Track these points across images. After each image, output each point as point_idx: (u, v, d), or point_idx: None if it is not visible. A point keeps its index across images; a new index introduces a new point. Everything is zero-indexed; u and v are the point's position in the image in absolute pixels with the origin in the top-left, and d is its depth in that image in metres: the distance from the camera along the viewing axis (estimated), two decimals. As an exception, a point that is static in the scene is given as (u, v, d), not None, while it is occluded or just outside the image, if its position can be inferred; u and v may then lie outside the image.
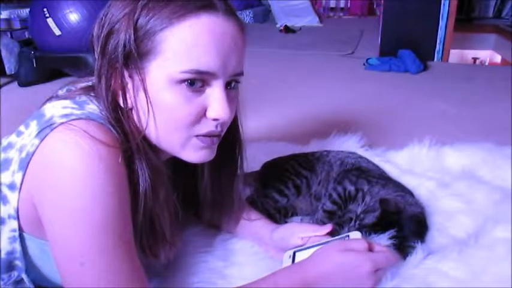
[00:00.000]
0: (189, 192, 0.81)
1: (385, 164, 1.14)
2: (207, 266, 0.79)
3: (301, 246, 0.80)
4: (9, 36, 2.53)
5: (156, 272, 0.74)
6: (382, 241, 0.80)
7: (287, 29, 3.95)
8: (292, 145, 1.32)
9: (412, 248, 0.79)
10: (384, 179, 1.00)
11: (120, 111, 0.60)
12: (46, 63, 2.26)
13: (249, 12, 4.49)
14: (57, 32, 2.17)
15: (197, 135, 0.61)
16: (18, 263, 0.62)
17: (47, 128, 0.55)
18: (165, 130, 0.60)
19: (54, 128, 0.54)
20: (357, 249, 0.66)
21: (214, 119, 0.61)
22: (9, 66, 2.35)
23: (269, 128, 1.58)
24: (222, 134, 0.66)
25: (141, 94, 0.58)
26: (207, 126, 0.61)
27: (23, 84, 2.25)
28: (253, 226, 0.86)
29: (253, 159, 1.14)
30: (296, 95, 2.08)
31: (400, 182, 1.01)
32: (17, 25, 2.64)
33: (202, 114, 0.60)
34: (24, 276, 0.62)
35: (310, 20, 4.34)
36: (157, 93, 0.58)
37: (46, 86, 2.21)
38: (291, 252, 0.79)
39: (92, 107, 0.60)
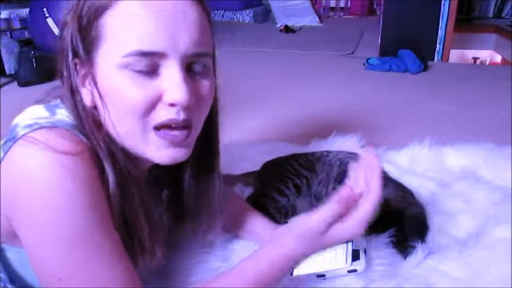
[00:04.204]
0: (178, 203, 0.76)
1: (386, 164, 1.14)
2: (207, 266, 0.79)
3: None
4: (9, 36, 2.52)
5: (155, 272, 0.73)
6: (382, 240, 0.80)
7: (287, 29, 3.95)
8: (292, 145, 1.32)
9: (413, 248, 0.79)
10: (384, 179, 0.99)
11: (83, 111, 0.56)
12: (46, 63, 2.26)
13: (249, 12, 4.48)
14: (57, 31, 2.17)
15: (156, 127, 0.55)
16: (1, 274, 0.61)
17: (9, 141, 0.53)
18: (121, 122, 0.55)
19: (16, 140, 0.52)
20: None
21: (171, 104, 0.54)
22: (9, 66, 2.35)
23: (269, 128, 1.58)
24: (194, 128, 0.58)
25: (95, 88, 0.55)
26: (165, 113, 0.54)
27: (22, 84, 2.26)
28: (254, 226, 0.86)
29: (253, 159, 1.15)
30: (296, 95, 2.08)
31: (400, 182, 1.01)
32: (17, 25, 2.64)
33: (158, 99, 0.54)
34: (10, 286, 0.61)
35: (310, 19, 4.34)
36: (108, 83, 0.54)
37: (46, 86, 2.20)
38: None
39: (62, 111, 0.57)
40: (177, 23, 0.53)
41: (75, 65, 0.56)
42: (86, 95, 0.57)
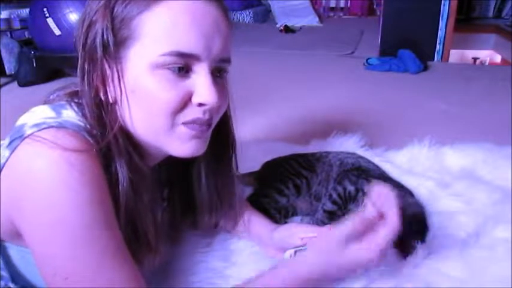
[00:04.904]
0: (186, 200, 0.79)
1: (385, 164, 1.14)
2: (207, 266, 0.79)
3: (301, 246, 0.80)
4: (9, 36, 2.52)
5: (156, 271, 0.74)
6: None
7: (287, 29, 3.95)
8: (292, 145, 1.32)
9: (413, 247, 0.79)
10: (384, 178, 1.00)
11: (103, 108, 0.58)
12: (46, 63, 2.26)
13: (249, 12, 4.48)
14: (57, 32, 2.17)
15: (183, 123, 0.58)
16: (3, 273, 0.61)
17: (17, 139, 0.52)
18: (147, 120, 0.58)
19: (23, 139, 0.52)
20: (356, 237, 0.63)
21: (201, 104, 0.58)
22: (9, 66, 2.35)
23: (269, 128, 1.58)
24: (212, 124, 0.63)
25: (122, 85, 0.57)
26: (193, 113, 0.58)
27: (22, 84, 2.25)
28: (253, 226, 0.86)
29: (253, 159, 1.15)
30: (296, 95, 2.08)
31: (400, 182, 1.01)
32: (17, 25, 2.63)
33: (188, 99, 0.57)
34: (11, 285, 0.61)
35: (310, 19, 4.34)
36: (138, 81, 0.56)
37: (46, 86, 2.20)
38: (291, 251, 0.79)
39: (69, 113, 0.57)
40: (212, 30, 0.57)
41: (102, 61, 0.57)
42: (111, 91, 0.58)
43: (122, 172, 0.57)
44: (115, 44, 0.56)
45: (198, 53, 0.56)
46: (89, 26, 0.57)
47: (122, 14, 0.55)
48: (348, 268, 0.64)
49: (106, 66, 0.57)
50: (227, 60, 0.61)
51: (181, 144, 0.60)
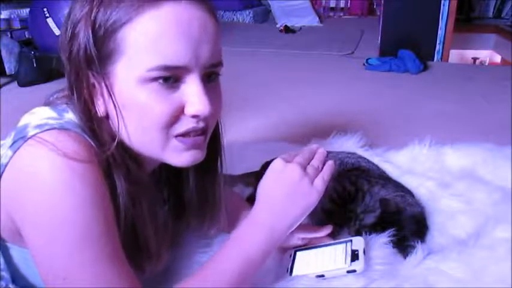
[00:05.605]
0: (179, 201, 0.78)
1: (385, 164, 1.14)
2: (206, 266, 0.79)
3: (302, 246, 0.80)
4: (9, 36, 2.52)
5: (154, 272, 0.73)
6: (382, 240, 0.80)
7: (287, 29, 3.94)
8: (292, 145, 1.32)
9: (412, 248, 0.79)
10: (384, 179, 1.00)
11: (95, 121, 0.56)
12: (46, 63, 2.26)
13: (249, 12, 4.48)
14: (57, 32, 2.17)
15: (177, 136, 0.57)
16: (4, 274, 0.61)
17: (20, 140, 0.52)
18: (141, 133, 0.56)
19: (26, 140, 0.52)
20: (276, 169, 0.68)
21: (194, 116, 0.56)
22: (9, 66, 2.35)
23: (269, 128, 1.58)
24: (209, 131, 0.61)
25: (112, 100, 0.55)
26: (186, 124, 0.57)
27: (22, 84, 2.25)
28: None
29: (253, 159, 1.14)
30: (296, 95, 2.08)
31: (400, 182, 1.01)
32: (17, 25, 2.64)
33: (180, 111, 0.56)
34: (12, 286, 0.61)
35: (310, 20, 4.34)
36: (128, 96, 0.54)
37: (46, 86, 2.20)
38: (291, 252, 0.79)
39: (70, 115, 0.57)
40: (199, 37, 0.54)
41: (88, 75, 0.56)
42: (100, 106, 0.57)
43: (120, 184, 0.57)
44: (100, 59, 0.54)
45: (186, 64, 0.54)
46: (72, 38, 0.55)
47: (104, 26, 0.53)
48: (285, 186, 0.66)
49: (93, 81, 0.56)
50: (218, 64, 0.59)
51: (178, 155, 0.59)
